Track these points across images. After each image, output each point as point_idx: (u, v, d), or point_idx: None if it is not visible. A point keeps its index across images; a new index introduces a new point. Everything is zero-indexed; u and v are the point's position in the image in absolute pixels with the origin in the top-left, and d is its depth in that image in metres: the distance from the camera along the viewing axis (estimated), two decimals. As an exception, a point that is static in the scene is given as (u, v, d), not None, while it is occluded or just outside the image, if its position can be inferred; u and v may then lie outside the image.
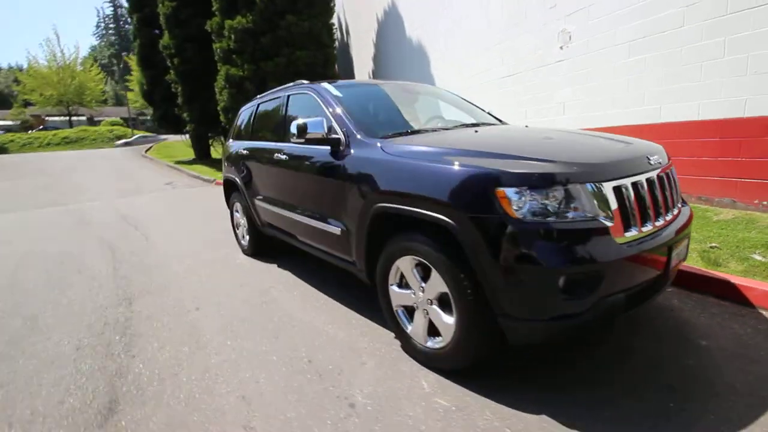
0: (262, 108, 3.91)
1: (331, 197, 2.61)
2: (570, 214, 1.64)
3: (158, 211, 7.64)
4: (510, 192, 1.64)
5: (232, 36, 10.53)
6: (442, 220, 1.80)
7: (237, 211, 4.50)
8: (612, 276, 1.66)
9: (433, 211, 1.85)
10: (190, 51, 12.72)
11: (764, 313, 2.41)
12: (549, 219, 1.63)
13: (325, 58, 11.22)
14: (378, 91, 3.29)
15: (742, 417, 1.63)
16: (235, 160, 4.15)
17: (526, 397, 1.82)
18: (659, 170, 1.99)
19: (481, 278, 1.72)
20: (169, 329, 2.81)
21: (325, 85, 2.99)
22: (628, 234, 1.73)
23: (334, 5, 11.52)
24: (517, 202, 1.64)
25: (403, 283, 2.21)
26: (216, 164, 14.92)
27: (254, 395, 2.01)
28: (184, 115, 14.13)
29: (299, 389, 2.03)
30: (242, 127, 4.33)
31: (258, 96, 4.23)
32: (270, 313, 2.95)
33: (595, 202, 1.68)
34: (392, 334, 2.46)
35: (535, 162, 1.75)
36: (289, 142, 3.23)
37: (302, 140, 2.59)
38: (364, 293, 3.10)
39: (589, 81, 5.19)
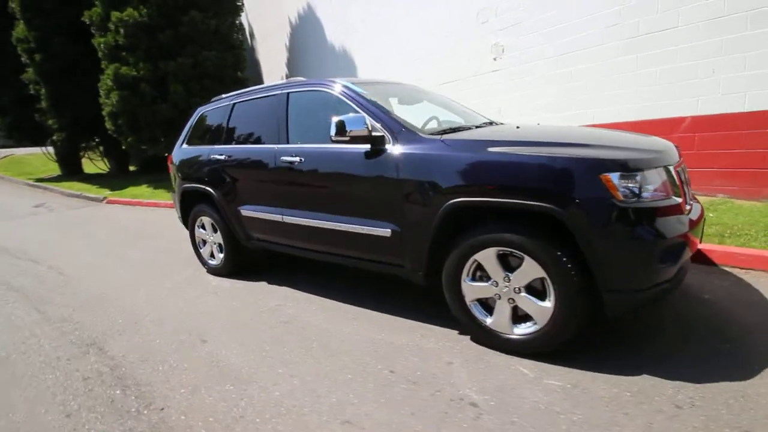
0: (241, 108, 3.50)
1: (379, 198, 2.48)
2: (658, 193, 1.88)
3: (49, 239, 6.20)
4: (614, 177, 1.81)
5: (121, 30, 9.12)
6: (548, 208, 1.88)
7: (201, 227, 3.92)
8: (687, 245, 1.94)
9: (535, 201, 1.91)
10: (58, 45, 10.60)
11: (725, 268, 3.05)
12: (644, 198, 1.83)
13: (236, 60, 10.47)
14: (384, 89, 3.23)
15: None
16: (205, 168, 3.63)
17: (621, 363, 1.99)
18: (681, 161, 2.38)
19: (590, 259, 1.84)
20: (185, 369, 2.33)
21: (344, 81, 2.83)
22: (687, 209, 2.05)
23: (242, 4, 10.81)
24: (620, 186, 1.81)
25: (476, 277, 2.22)
26: (94, 180, 12.64)
27: (359, 418, 1.81)
28: (49, 122, 11.65)
29: (405, 401, 1.89)
30: (206, 130, 3.81)
31: (227, 95, 3.77)
32: (301, 331, 2.66)
33: (669, 182, 1.95)
34: (452, 331, 2.44)
35: (622, 150, 1.95)
36: (297, 143, 2.98)
37: (346, 138, 2.41)
38: (387, 296, 3.01)
39: (523, 89, 5.86)
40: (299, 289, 3.34)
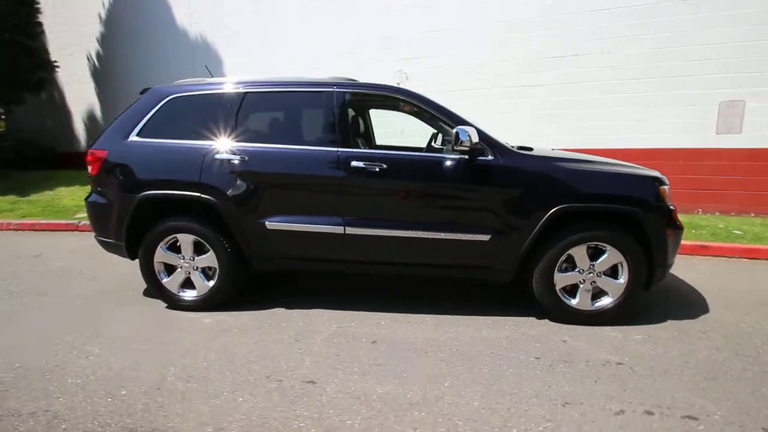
0: (259, 100, 2.91)
1: (479, 205, 2.68)
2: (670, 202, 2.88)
3: None
4: (666, 189, 2.70)
5: None
6: (634, 210, 2.60)
7: (169, 249, 2.95)
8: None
9: (624, 204, 2.61)
10: None
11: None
12: (671, 205, 2.79)
13: (27, 16, 7.62)
14: None
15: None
16: (200, 170, 2.80)
17: (652, 314, 2.90)
18: None
19: (654, 245, 2.65)
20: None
21: (414, 90, 2.86)
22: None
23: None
24: (669, 195, 2.71)
25: (563, 268, 2.75)
26: None
27: (562, 396, 2.03)
28: None
29: (568, 376, 2.20)
30: (188, 122, 2.94)
31: (214, 81, 3.03)
32: (411, 347, 2.53)
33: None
34: (530, 318, 2.86)
35: (652, 170, 2.87)
36: (365, 148, 2.80)
37: (466, 149, 2.52)
38: (440, 300, 3.16)
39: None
40: (340, 309, 3.03)
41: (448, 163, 2.71)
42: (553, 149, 3.58)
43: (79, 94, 9.87)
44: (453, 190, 2.74)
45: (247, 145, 2.86)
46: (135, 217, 2.92)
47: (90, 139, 9.83)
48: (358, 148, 2.86)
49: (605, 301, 2.77)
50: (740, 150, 5.10)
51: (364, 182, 2.75)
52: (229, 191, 2.83)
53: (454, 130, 2.57)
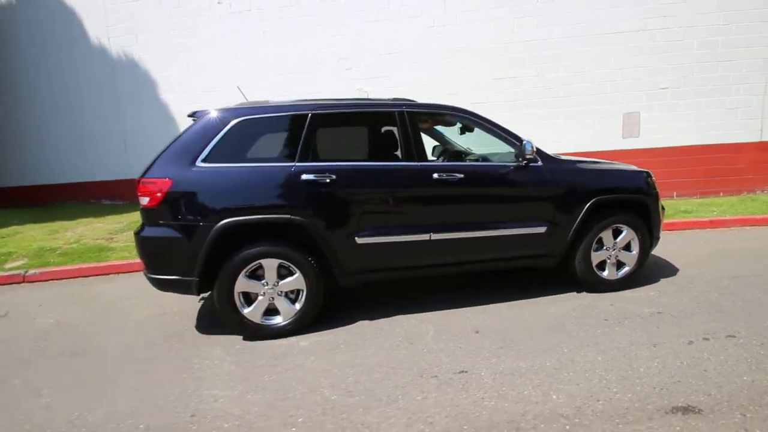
0: (326, 120, 3.03)
1: (536, 204, 3.23)
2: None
3: None
4: (653, 179, 3.58)
5: None
6: (639, 197, 3.41)
7: (251, 278, 2.83)
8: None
9: (633, 193, 3.41)
10: None
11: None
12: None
13: None
14: None
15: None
16: (287, 192, 2.81)
17: (648, 281, 3.77)
18: None
19: (653, 221, 3.48)
20: None
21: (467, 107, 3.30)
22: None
23: None
24: (655, 183, 3.60)
25: (595, 248, 3.43)
26: None
27: (646, 349, 2.65)
28: None
29: (632, 331, 2.85)
30: (259, 144, 2.89)
31: (298, 102, 3.05)
32: (518, 342, 2.90)
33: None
34: (572, 293, 3.48)
35: (639, 168, 3.75)
36: (435, 160, 3.11)
37: (533, 160, 3.05)
38: (490, 289, 3.60)
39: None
40: (415, 312, 3.24)
41: (511, 169, 3.20)
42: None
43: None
44: (517, 192, 3.25)
45: (331, 163, 2.94)
46: (212, 248, 2.74)
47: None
48: (431, 161, 3.17)
49: (625, 270, 3.53)
50: (640, 150, 6.68)
51: (445, 191, 3.07)
52: (320, 210, 2.87)
53: (524, 142, 3.08)
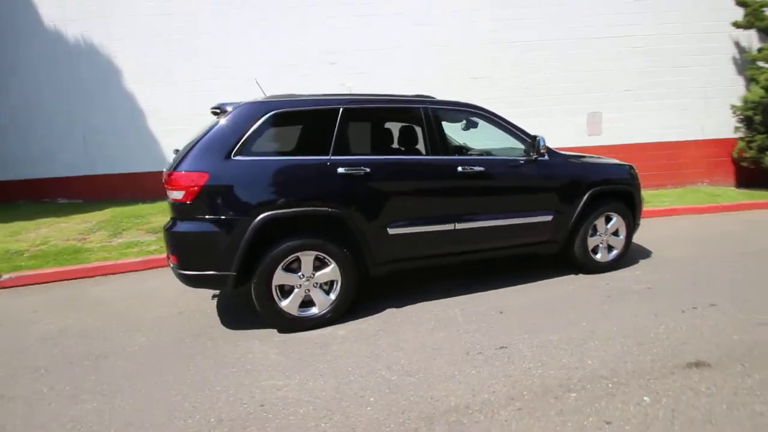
0: (355, 115, 3.12)
1: (545, 194, 3.54)
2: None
3: None
4: (636, 171, 4.03)
5: None
6: (626, 188, 3.84)
7: (288, 270, 2.87)
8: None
9: (622, 185, 3.83)
10: None
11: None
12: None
13: None
14: None
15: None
16: (324, 185, 2.86)
17: (634, 263, 4.24)
18: None
19: (636, 209, 3.94)
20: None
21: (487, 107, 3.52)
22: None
23: None
24: (637, 175, 4.06)
25: (591, 234, 3.82)
26: None
27: (645, 314, 3.04)
28: None
29: (632, 304, 3.25)
30: (294, 137, 2.91)
31: (329, 96, 3.08)
32: (540, 319, 3.17)
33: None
34: (573, 275, 3.85)
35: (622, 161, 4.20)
36: (462, 155, 3.34)
37: (542, 155, 3.33)
38: (500, 274, 3.88)
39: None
40: (438, 299, 3.43)
41: (522, 162, 3.49)
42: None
43: None
44: (529, 184, 3.53)
45: (365, 157, 3.03)
46: (251, 242, 2.73)
47: None
48: (455, 155, 3.36)
49: (614, 253, 3.96)
50: (603, 146, 7.34)
51: (468, 183, 3.28)
52: (355, 203, 2.96)
53: (537, 138, 3.37)
